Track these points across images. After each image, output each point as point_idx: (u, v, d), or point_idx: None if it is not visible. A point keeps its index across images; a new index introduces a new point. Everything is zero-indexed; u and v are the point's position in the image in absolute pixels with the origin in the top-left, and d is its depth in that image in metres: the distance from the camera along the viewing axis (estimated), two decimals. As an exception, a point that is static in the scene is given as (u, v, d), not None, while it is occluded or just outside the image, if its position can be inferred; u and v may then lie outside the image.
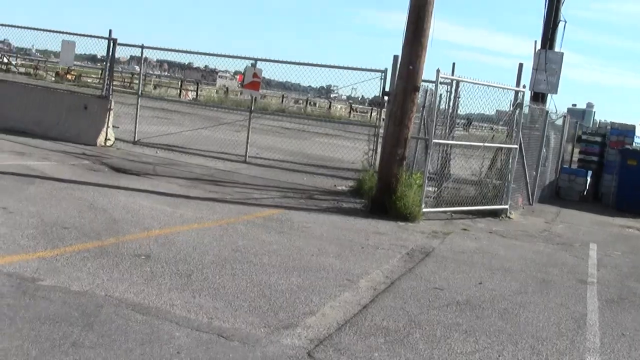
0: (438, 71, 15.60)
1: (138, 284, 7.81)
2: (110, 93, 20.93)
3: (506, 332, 8.13)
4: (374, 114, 77.65)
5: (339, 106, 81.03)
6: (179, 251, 9.63)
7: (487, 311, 8.91)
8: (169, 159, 19.88)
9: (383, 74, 18.17)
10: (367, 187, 16.60)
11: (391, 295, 9.08)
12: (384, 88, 18.22)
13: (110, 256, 8.85)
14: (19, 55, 74.29)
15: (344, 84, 19.52)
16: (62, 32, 21.50)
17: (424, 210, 15.43)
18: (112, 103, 20.79)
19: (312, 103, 77.30)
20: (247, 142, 20.17)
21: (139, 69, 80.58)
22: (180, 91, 67.60)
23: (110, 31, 20.74)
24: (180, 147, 22.09)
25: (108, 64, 20.89)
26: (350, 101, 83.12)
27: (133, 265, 8.60)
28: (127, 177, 15.99)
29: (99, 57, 64.45)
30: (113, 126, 21.54)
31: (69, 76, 65.76)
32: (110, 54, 20.86)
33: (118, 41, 20.81)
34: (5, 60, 64.45)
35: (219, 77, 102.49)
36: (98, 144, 20.29)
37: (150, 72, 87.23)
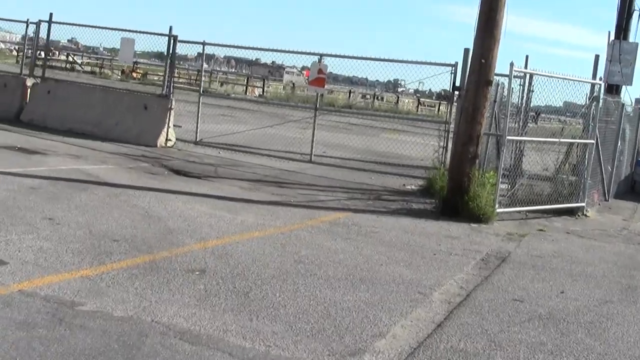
0: (512, 65, 14.72)
1: (189, 306, 7.08)
2: (171, 92, 20.33)
3: (595, 351, 7.29)
4: (442, 107, 76.88)
5: (407, 100, 79.85)
6: (237, 264, 8.90)
7: (572, 326, 8.05)
8: (232, 160, 19.23)
9: (453, 68, 17.25)
10: (438, 187, 15.73)
11: (467, 310, 8.24)
12: (454, 83, 17.29)
13: (161, 272, 8.14)
14: (84, 54, 74.79)
15: (412, 79, 18.67)
16: (124, 30, 21.04)
17: (498, 210, 14.52)
18: (173, 102, 20.20)
19: (379, 98, 76.30)
20: (313, 141, 19.41)
21: (206, 67, 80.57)
22: (247, 88, 67.13)
23: (170, 28, 20.21)
24: (244, 146, 21.41)
25: (168, 62, 20.27)
26: (418, 95, 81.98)
27: (185, 282, 7.88)
28: (186, 180, 15.38)
29: (165, 54, 64.62)
30: (175, 125, 20.97)
31: (134, 74, 65.42)
32: (171, 51, 20.25)
33: (179, 38, 20.23)
34: (70, 58, 64.88)
35: (286, 72, 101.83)
36: (158, 145, 19.73)
37: (218, 68, 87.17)
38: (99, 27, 21.51)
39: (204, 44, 20.17)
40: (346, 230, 11.86)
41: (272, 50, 19.88)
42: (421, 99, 78.95)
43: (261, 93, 64.16)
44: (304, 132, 22.83)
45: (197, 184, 14.91)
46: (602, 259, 12.03)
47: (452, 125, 17.12)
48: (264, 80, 70.58)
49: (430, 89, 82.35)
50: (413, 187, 17.67)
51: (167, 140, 20.01)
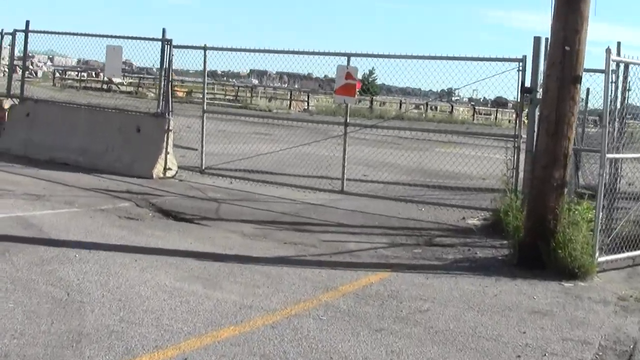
0: (608, 52, 10.49)
1: None
2: (170, 110, 16.41)
3: None
4: (498, 115, 72.84)
5: (461, 109, 75.62)
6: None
7: None
8: (244, 192, 15.24)
9: (521, 64, 13.07)
10: (511, 226, 11.54)
11: None
12: (522, 83, 13.11)
13: None
14: (126, 74, 71.66)
15: (467, 81, 14.39)
16: (110, 36, 17.18)
17: (599, 259, 10.33)
18: (171, 122, 16.28)
19: (432, 107, 72.04)
20: (344, 167, 15.22)
21: (256, 82, 77.14)
22: (290, 102, 63.28)
23: (163, 31, 16.28)
24: (266, 172, 17.39)
25: (163, 72, 16.37)
26: (472, 103, 77.95)
27: None
28: (171, 226, 11.53)
29: (219, 72, 61.24)
30: (190, 148, 17.06)
31: (179, 93, 60.82)
32: (167, 58, 16.35)
33: (174, 43, 16.31)
34: (106, 78, 61.75)
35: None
36: (154, 176, 15.83)
37: (270, 84, 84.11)
38: (80, 35, 17.60)
39: (205, 48, 16.22)
40: (378, 311, 7.79)
41: (288, 52, 15.80)
42: (476, 107, 74.75)
43: (306, 107, 60.23)
44: (340, 150, 18.47)
45: (182, 233, 11.00)
46: None
47: (523, 138, 13.04)
48: (308, 94, 66.63)
49: (484, 97, 78.11)
50: (475, 222, 13.55)
51: (165, 169, 16.11)
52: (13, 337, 6.14)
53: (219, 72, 61.53)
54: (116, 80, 65.21)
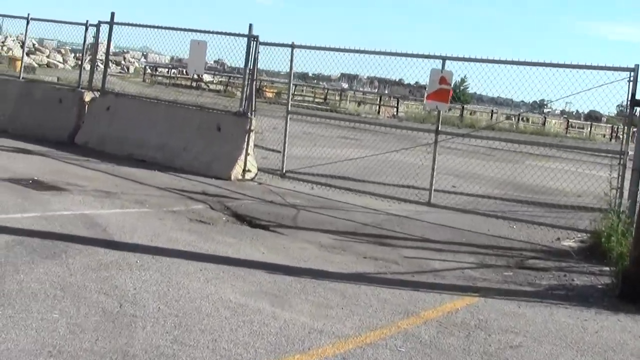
0: None
1: None
2: (253, 109, 15.74)
3: None
4: (593, 129, 70.76)
5: (554, 121, 73.74)
6: None
7: None
8: (325, 199, 14.46)
9: (632, 74, 12.02)
10: (614, 250, 10.52)
11: None
12: (633, 95, 12.07)
13: None
14: (217, 73, 71.65)
15: (564, 93, 13.27)
16: (194, 30, 16.57)
17: None
18: (253, 122, 15.60)
19: (524, 119, 70.30)
20: (432, 177, 14.31)
21: (346, 86, 76.68)
22: (379, 107, 62.36)
23: (250, 26, 15.64)
24: (350, 178, 16.55)
25: (248, 69, 15.70)
26: (565, 116, 76.05)
27: None
28: (244, 233, 10.80)
29: (310, 74, 60.53)
30: (273, 150, 16.37)
31: (268, 93, 59.89)
32: (252, 56, 15.68)
33: (260, 39, 15.64)
34: (196, 76, 61.78)
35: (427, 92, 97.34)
36: (233, 178, 15.17)
37: (360, 88, 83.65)
38: (163, 28, 17.03)
39: (292, 46, 15.50)
40: (464, 344, 6.89)
41: (379, 53, 14.97)
42: (569, 120, 72.83)
43: (395, 113, 59.23)
44: (429, 159, 17.50)
45: (255, 241, 10.26)
46: None
47: (630, 155, 11.99)
48: (398, 100, 65.66)
49: (577, 110, 76.16)
50: (571, 243, 12.48)
51: (244, 171, 15.43)
52: (50, 355, 5.46)
53: (310, 75, 61.40)
54: (206, 78, 65.29)
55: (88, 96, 17.91)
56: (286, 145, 16.06)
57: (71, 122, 17.88)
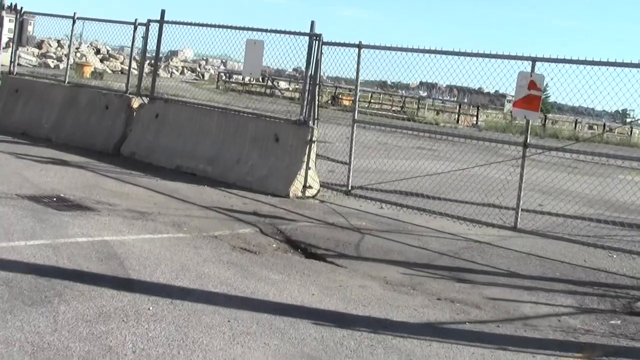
0: None
1: None
2: (315, 117, 13.96)
3: None
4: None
5: (638, 131, 70.44)
6: None
7: None
8: (396, 221, 12.58)
9: None
10: None
11: None
12: None
13: None
14: (292, 80, 70.20)
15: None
16: (250, 29, 14.81)
17: None
18: (315, 132, 13.81)
19: (609, 129, 67.28)
20: (519, 200, 12.33)
21: (424, 94, 74.78)
22: (459, 116, 60.08)
23: (312, 24, 13.83)
24: (424, 194, 14.60)
25: (310, 72, 13.90)
26: (649, 125, 72.70)
27: None
28: (294, 265, 9.04)
29: (389, 82, 58.91)
30: (341, 162, 14.57)
31: (345, 101, 57.53)
32: (314, 57, 13.89)
33: (324, 39, 13.83)
34: (270, 83, 60.43)
35: (507, 101, 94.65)
36: (291, 195, 13.40)
37: (440, 97, 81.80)
38: (216, 26, 15.20)
39: (359, 46, 13.66)
40: None
41: (456, 53, 12.97)
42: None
43: (475, 122, 56.89)
44: (516, 174, 15.35)
45: (306, 277, 8.47)
46: None
47: None
48: (478, 108, 63.32)
49: (662, 119, 72.61)
50: (688, 279, 10.45)
51: (305, 187, 13.64)
52: None
53: (389, 83, 59.60)
54: (282, 85, 63.82)
55: (136, 102, 16.30)
56: (352, 158, 14.19)
57: (117, 131, 16.28)
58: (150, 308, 6.60)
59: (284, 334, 6.43)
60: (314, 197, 13.76)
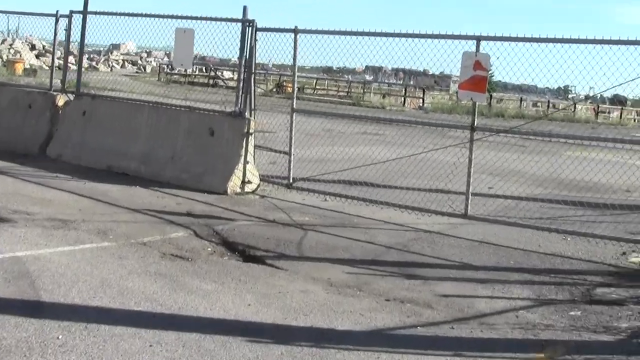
0: None
1: None
2: (252, 108, 13.18)
3: None
4: (624, 114, 67.41)
5: (580, 107, 70.53)
6: None
7: None
8: (340, 214, 11.86)
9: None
10: None
11: None
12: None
13: None
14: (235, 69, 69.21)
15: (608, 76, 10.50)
16: (179, 17, 13.95)
17: None
18: (252, 124, 13.02)
19: (553, 105, 67.31)
20: (469, 183, 11.64)
21: (370, 79, 74.23)
22: (405, 99, 59.47)
23: (244, 9, 13.01)
24: (370, 183, 13.84)
25: (243, 61, 13.11)
26: (590, 101, 72.91)
27: None
28: (230, 271, 8.30)
29: (334, 68, 58.28)
30: (283, 152, 13.78)
31: (289, 88, 56.42)
32: (248, 44, 13.10)
33: (258, 25, 13.05)
34: (212, 73, 59.63)
35: (453, 82, 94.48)
36: (229, 192, 12.61)
37: (386, 81, 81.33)
38: (141, 15, 14.29)
39: (295, 31, 12.86)
40: None
41: (399, 35, 12.19)
42: (600, 106, 69.71)
43: (421, 105, 56.36)
44: (465, 156, 14.64)
45: (243, 284, 7.75)
46: None
47: None
48: (424, 90, 62.86)
49: (601, 95, 72.96)
50: (642, 259, 9.91)
51: (244, 182, 12.86)
52: None
53: (334, 68, 58.84)
54: (226, 75, 62.73)
55: (61, 100, 15.30)
56: (293, 148, 13.42)
57: (42, 131, 15.24)
58: (60, 337, 5.78)
59: (214, 357, 5.67)
60: (253, 192, 12.97)
